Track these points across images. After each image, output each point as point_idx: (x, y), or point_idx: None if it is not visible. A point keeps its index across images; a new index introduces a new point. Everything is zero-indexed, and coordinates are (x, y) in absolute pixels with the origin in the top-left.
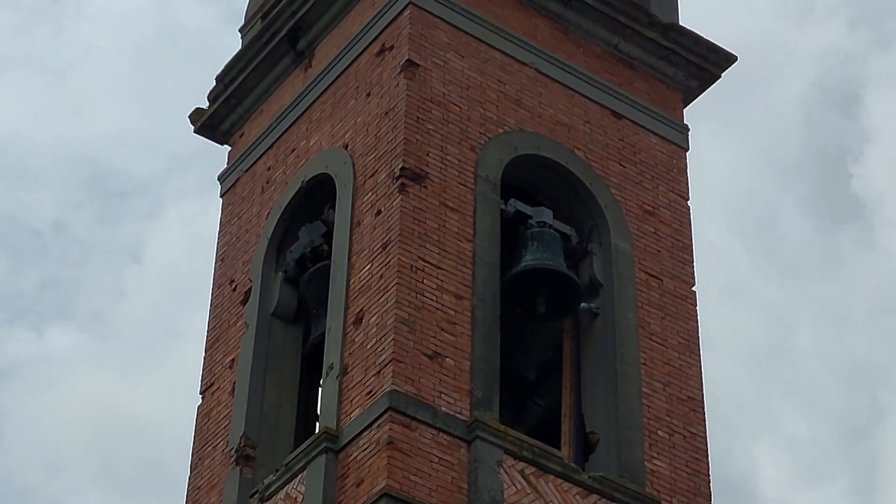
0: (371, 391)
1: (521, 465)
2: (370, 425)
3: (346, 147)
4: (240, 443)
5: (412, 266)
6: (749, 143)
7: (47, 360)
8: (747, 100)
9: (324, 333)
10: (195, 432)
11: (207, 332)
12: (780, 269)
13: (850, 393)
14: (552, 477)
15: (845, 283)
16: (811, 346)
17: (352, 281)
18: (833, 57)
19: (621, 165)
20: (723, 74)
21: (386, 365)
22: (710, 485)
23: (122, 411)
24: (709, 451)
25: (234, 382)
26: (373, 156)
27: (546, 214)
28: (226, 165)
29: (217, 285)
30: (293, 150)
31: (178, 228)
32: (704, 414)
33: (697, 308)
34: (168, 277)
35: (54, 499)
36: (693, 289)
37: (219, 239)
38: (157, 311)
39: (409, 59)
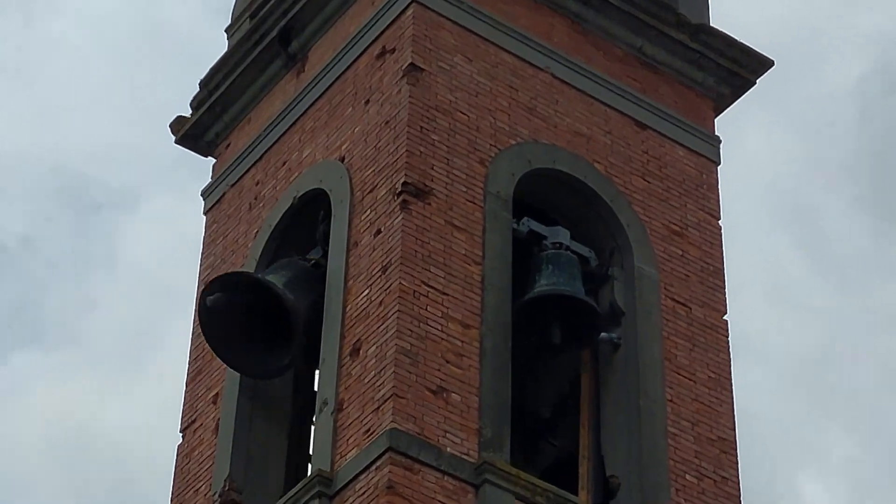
0: (369, 429)
1: None
2: (368, 467)
3: (342, 160)
4: (224, 486)
5: (415, 291)
6: (795, 140)
7: (10, 376)
8: (791, 94)
9: (317, 365)
10: (175, 474)
11: (189, 363)
12: (831, 273)
13: None
14: None
15: None
16: (864, 357)
17: (348, 307)
18: (889, 42)
19: (645, 181)
20: (758, 81)
21: (385, 400)
22: None
23: (93, 430)
24: (741, 497)
25: (218, 419)
26: (372, 169)
27: (562, 235)
28: (210, 179)
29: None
30: (284, 163)
31: (156, 245)
32: (737, 456)
33: (729, 339)
34: (143, 293)
35: None
36: (724, 318)
37: (202, 260)
38: (130, 326)
39: (412, 63)
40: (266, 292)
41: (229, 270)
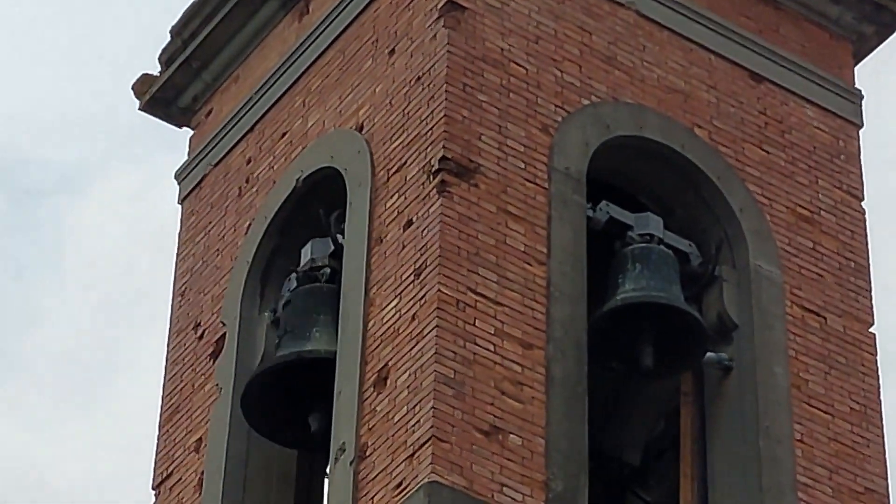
0: (401, 483)
1: None
2: None
3: (360, 129)
4: None
5: (458, 301)
6: None
7: None
8: None
9: (331, 400)
10: None
11: (162, 399)
12: None
13: None
14: None
15: None
16: None
17: (371, 324)
18: None
19: (763, 150)
20: None
21: (422, 446)
22: None
23: (35, 483)
24: None
25: (203, 472)
26: (399, 141)
27: (653, 224)
28: (186, 157)
29: (175, 332)
30: (284, 135)
31: (116, 243)
32: None
33: (878, 358)
34: (99, 303)
35: None
36: (871, 330)
37: (177, 264)
38: (83, 346)
39: (450, 0)
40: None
41: (223, 277)
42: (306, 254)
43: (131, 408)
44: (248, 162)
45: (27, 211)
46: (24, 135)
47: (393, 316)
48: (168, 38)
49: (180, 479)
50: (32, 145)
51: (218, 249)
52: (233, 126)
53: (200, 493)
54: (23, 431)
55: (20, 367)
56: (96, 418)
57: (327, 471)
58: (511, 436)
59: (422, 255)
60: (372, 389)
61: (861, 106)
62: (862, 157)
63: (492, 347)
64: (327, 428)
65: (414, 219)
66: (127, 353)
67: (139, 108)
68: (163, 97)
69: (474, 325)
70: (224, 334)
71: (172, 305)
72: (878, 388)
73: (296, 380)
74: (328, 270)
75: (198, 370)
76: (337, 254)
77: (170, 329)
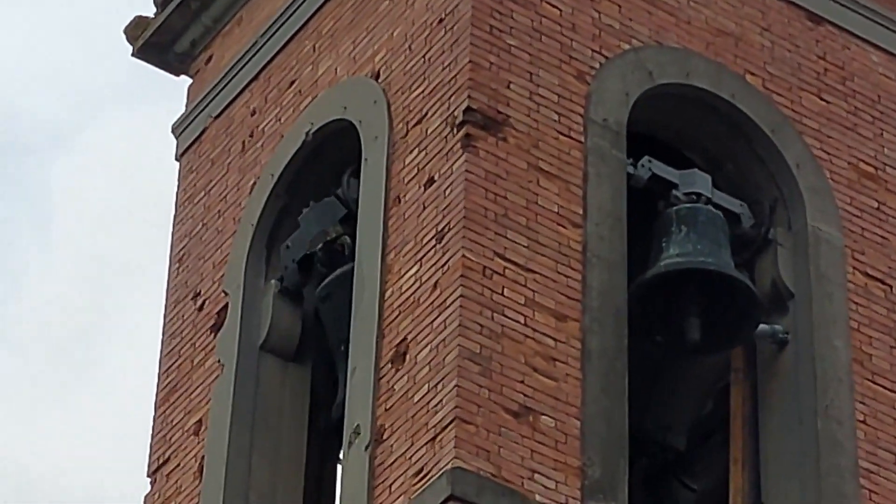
0: (421, 470)
1: None
2: None
3: (376, 77)
4: None
5: (485, 268)
6: None
7: None
8: None
9: (345, 378)
10: None
11: (158, 377)
12: None
13: None
14: None
15: None
16: None
17: (388, 293)
18: None
19: (823, 100)
20: None
21: (445, 428)
22: None
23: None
24: None
25: (203, 457)
26: (420, 91)
27: (701, 182)
28: (184, 108)
29: (172, 302)
30: (292, 83)
31: (107, 201)
32: None
33: None
34: (88, 267)
35: None
36: None
37: (174, 227)
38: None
39: None
40: None
41: (225, 242)
42: (308, 222)
43: (123, 385)
44: (253, 114)
45: (11, 166)
46: (6, 85)
47: (413, 284)
48: None
49: (179, 464)
50: (16, 95)
51: (219, 211)
52: (235, 74)
53: (201, 481)
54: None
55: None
56: (83, 396)
57: (340, 456)
58: (543, 417)
59: (444, 216)
60: (389, 366)
61: None
62: None
63: (521, 319)
64: None
65: (436, 176)
66: (118, 323)
67: (132, 55)
68: (158, 42)
69: (502, 294)
70: (226, 305)
71: (169, 273)
72: None
73: None
74: (347, 240)
75: (197, 345)
76: (348, 218)
77: (166, 299)
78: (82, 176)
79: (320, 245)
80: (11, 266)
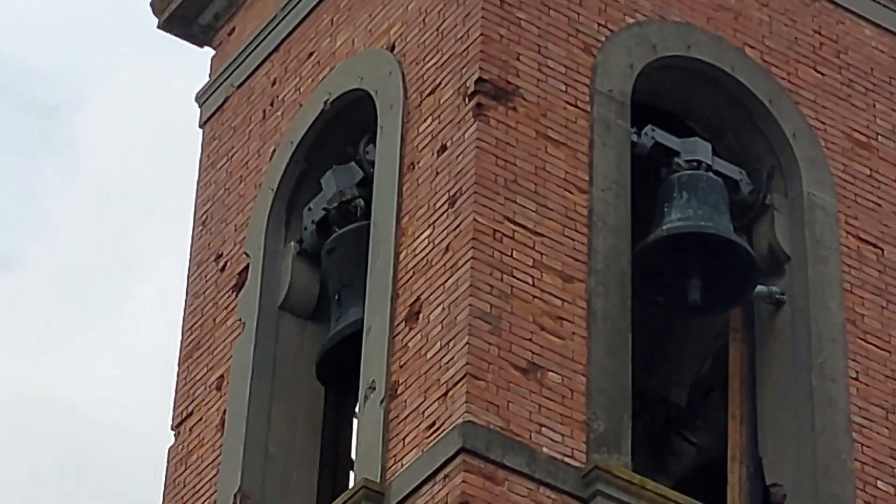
0: (434, 423)
1: None
2: (432, 476)
3: (391, 49)
4: (234, 502)
5: (495, 231)
6: None
7: None
8: None
9: (360, 336)
10: (164, 487)
11: (182, 334)
12: None
13: None
14: None
15: None
16: None
17: (402, 255)
18: None
19: (818, 72)
20: None
21: (456, 384)
22: None
23: (40, 403)
24: None
25: (225, 411)
26: (433, 61)
27: (702, 149)
28: (208, 78)
29: (195, 263)
30: (311, 55)
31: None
32: None
33: None
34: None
35: None
36: None
37: (198, 191)
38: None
39: None
40: None
41: (246, 205)
42: (329, 184)
43: (150, 334)
44: (273, 84)
45: (34, 128)
46: (32, 47)
47: (426, 247)
48: None
49: (201, 418)
50: (41, 64)
51: (241, 176)
52: (257, 46)
53: (222, 434)
54: (24, 351)
55: (23, 276)
56: (110, 343)
57: (356, 410)
58: (550, 373)
59: (456, 182)
60: (403, 324)
61: None
62: None
63: (530, 280)
64: None
65: (448, 144)
66: (143, 281)
67: (158, 27)
68: (183, 14)
69: (511, 256)
70: (247, 266)
71: (193, 235)
72: None
73: None
74: (361, 202)
75: (219, 304)
76: (365, 182)
77: (190, 260)
78: (109, 140)
79: (336, 204)
80: (29, 214)
